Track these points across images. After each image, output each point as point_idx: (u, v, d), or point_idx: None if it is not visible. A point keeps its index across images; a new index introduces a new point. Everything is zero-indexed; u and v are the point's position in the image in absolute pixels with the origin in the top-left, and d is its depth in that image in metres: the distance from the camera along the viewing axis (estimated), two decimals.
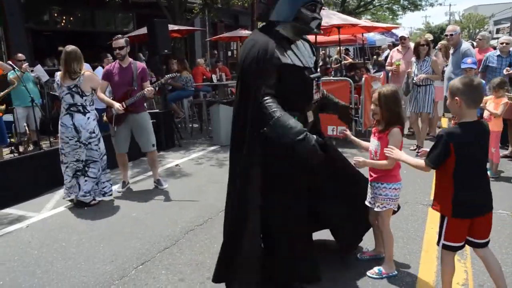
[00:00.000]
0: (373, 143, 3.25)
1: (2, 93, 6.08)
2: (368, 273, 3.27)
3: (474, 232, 2.63)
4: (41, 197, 5.58)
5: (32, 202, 5.39)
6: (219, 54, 20.26)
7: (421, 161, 2.72)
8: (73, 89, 4.97)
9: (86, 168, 5.11)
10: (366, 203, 3.34)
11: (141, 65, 5.67)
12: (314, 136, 2.56)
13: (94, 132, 5.08)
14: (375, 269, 3.28)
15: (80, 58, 5.02)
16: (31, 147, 7.90)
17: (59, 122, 5.09)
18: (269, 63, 2.65)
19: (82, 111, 5.02)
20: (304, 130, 2.54)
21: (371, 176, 3.23)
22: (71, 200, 5.25)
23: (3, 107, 6.50)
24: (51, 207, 5.22)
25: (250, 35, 2.97)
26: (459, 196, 2.54)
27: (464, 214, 2.57)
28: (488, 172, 5.43)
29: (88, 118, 5.05)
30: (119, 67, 5.52)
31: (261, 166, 2.75)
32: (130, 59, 5.60)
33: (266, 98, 2.60)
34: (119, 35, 5.62)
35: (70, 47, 5.01)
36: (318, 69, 3.28)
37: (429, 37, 8.13)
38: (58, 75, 5.11)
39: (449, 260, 2.70)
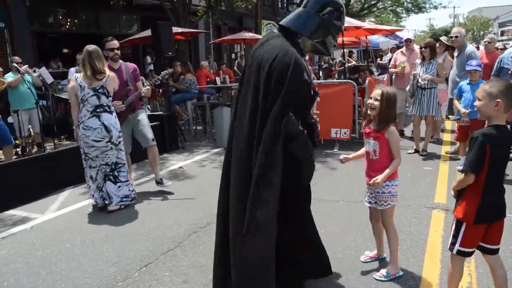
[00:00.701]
0: (369, 144, 3.24)
1: None
2: (375, 276, 3.27)
3: (487, 238, 2.59)
4: (45, 198, 5.60)
5: (36, 204, 5.42)
6: (223, 57, 20.31)
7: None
8: (99, 90, 4.83)
9: (116, 173, 5.01)
10: (366, 204, 3.35)
11: (132, 65, 5.68)
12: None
13: (120, 132, 5.02)
14: (383, 271, 3.27)
15: (102, 57, 4.92)
16: (35, 149, 7.94)
17: (81, 126, 4.85)
18: (306, 83, 2.59)
19: (108, 110, 4.92)
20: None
21: (370, 176, 3.23)
22: (102, 207, 5.12)
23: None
24: (55, 208, 5.24)
25: (273, 39, 2.73)
26: (486, 201, 2.49)
27: (485, 219, 2.54)
28: None
29: (115, 117, 4.99)
30: (110, 69, 5.43)
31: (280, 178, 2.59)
32: (120, 61, 5.61)
33: (291, 115, 2.51)
34: (110, 37, 5.64)
35: (91, 47, 4.88)
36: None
37: (444, 39, 8.08)
38: (80, 77, 4.88)
39: (459, 265, 2.68)
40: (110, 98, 4.96)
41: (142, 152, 5.84)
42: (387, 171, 3.11)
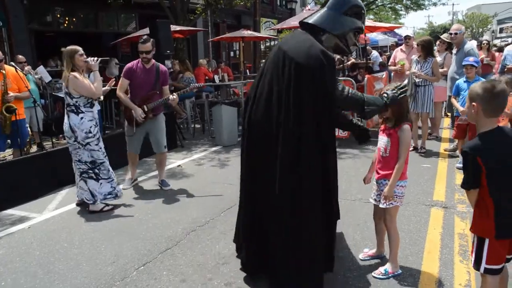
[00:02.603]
0: (382, 140, 3.24)
1: None
2: (374, 274, 3.26)
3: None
4: (44, 197, 5.59)
5: (35, 203, 5.40)
6: (221, 55, 20.28)
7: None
8: (66, 91, 4.89)
9: (97, 170, 5.00)
10: (371, 200, 3.34)
11: (164, 68, 5.64)
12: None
13: (91, 132, 4.93)
14: (381, 269, 3.26)
15: (70, 58, 4.84)
16: (33, 148, 7.92)
17: None
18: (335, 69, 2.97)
19: (75, 111, 4.89)
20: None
21: (378, 173, 3.23)
22: (78, 204, 5.20)
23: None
24: (53, 208, 5.23)
25: (298, 33, 3.12)
26: (501, 213, 2.30)
27: (508, 233, 2.34)
28: None
29: (82, 118, 4.91)
30: (142, 68, 5.44)
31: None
32: (153, 61, 5.55)
33: (345, 89, 2.91)
34: (145, 37, 5.52)
35: (67, 48, 4.89)
36: None
37: (445, 36, 8.07)
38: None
39: (495, 284, 2.44)
40: (77, 99, 4.86)
41: (141, 151, 5.84)
42: (392, 179, 3.10)
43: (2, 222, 4.81)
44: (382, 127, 3.27)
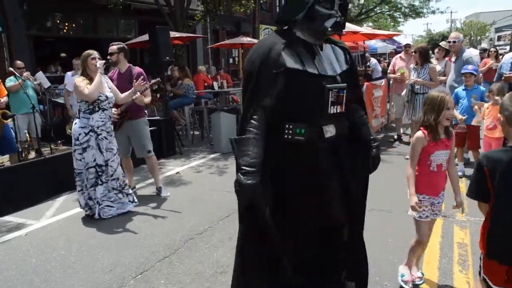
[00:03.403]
0: (442, 155, 3.02)
1: None
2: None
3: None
4: (41, 204, 5.56)
5: (32, 210, 5.38)
6: (220, 61, 20.30)
7: None
8: None
9: (76, 179, 5.01)
10: (429, 218, 3.16)
11: (138, 70, 5.65)
12: (255, 180, 2.25)
13: (77, 140, 4.87)
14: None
15: (82, 62, 4.96)
16: (32, 154, 7.90)
17: None
18: (269, 67, 2.35)
19: (77, 115, 4.99)
20: (253, 169, 2.25)
21: (438, 188, 3.14)
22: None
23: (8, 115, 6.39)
24: (50, 214, 5.20)
25: (264, 38, 2.72)
26: (493, 234, 2.22)
27: (499, 258, 2.22)
28: None
29: (76, 123, 4.93)
30: (118, 73, 5.58)
31: None
32: (129, 65, 5.62)
33: (257, 112, 2.34)
34: (114, 42, 5.68)
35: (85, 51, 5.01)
36: (355, 80, 2.71)
37: (443, 44, 8.09)
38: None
39: None
40: (79, 104, 4.93)
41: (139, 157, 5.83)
42: (457, 186, 3.13)
43: None
44: (432, 143, 3.00)
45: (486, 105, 5.54)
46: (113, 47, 5.55)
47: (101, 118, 4.90)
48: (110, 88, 5.07)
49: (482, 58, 12.76)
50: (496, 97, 5.27)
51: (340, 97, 2.47)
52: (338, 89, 2.44)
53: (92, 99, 4.82)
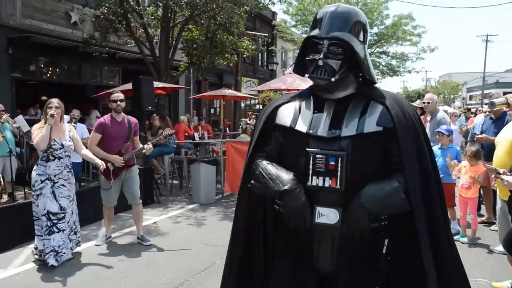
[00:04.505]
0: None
1: None
2: None
3: None
4: (10, 251, 5.36)
5: (0, 257, 5.17)
6: (202, 111, 20.53)
7: None
8: None
9: (35, 223, 4.93)
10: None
11: (134, 120, 5.73)
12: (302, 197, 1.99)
13: (33, 186, 4.85)
14: None
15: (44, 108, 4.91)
16: (4, 198, 7.69)
17: None
18: (265, 123, 2.23)
19: (36, 163, 5.00)
20: (292, 186, 2.01)
21: None
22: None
23: None
24: (19, 263, 5.00)
25: None
26: None
27: None
28: (466, 239, 5.55)
29: (34, 170, 4.91)
30: (113, 121, 5.50)
31: None
32: (123, 114, 5.63)
33: (258, 160, 2.20)
34: (115, 89, 5.75)
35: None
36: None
37: (417, 103, 8.39)
38: None
39: None
40: (39, 151, 4.92)
41: (117, 205, 5.74)
42: None
43: None
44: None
45: (463, 163, 5.70)
46: (120, 95, 5.59)
47: (57, 166, 4.85)
48: (70, 138, 4.99)
49: (467, 118, 13.45)
50: (473, 160, 5.49)
51: (330, 166, 1.96)
52: (326, 156, 1.97)
53: (40, 148, 4.80)
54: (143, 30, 12.21)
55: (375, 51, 29.03)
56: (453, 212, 5.91)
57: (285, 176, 2.03)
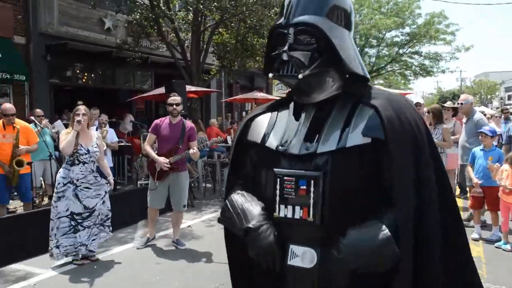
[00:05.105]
0: None
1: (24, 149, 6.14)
2: None
3: None
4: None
5: (42, 258, 5.29)
6: (234, 115, 20.62)
7: None
8: None
9: (50, 224, 5.04)
10: None
11: (190, 124, 5.79)
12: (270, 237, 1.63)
13: (56, 188, 4.99)
14: None
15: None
16: (45, 201, 7.92)
17: None
18: (234, 140, 1.95)
19: (62, 166, 5.14)
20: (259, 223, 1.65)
21: None
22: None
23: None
24: (60, 263, 5.13)
25: None
26: None
27: None
28: (509, 246, 5.31)
29: (59, 172, 5.07)
30: (168, 123, 5.57)
31: None
32: (181, 117, 5.68)
33: (235, 188, 1.87)
34: (174, 93, 5.83)
35: None
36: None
37: (448, 104, 8.20)
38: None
39: None
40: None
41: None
42: None
43: (6, 279, 4.71)
44: None
45: (504, 166, 5.44)
46: (177, 99, 5.61)
47: (81, 171, 4.93)
48: (97, 145, 5.10)
49: (506, 119, 12.11)
50: None
51: (301, 192, 1.55)
52: (296, 178, 1.57)
53: (65, 153, 4.93)
54: (174, 35, 12.36)
55: (407, 51, 28.56)
56: (496, 217, 5.69)
57: (253, 210, 1.67)
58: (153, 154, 5.47)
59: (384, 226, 1.48)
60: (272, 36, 1.67)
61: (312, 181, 1.52)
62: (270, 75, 1.67)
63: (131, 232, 6.35)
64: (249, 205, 1.70)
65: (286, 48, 1.57)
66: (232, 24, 12.65)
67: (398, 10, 26.67)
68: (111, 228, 5.31)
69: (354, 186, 1.53)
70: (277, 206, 1.59)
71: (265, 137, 1.72)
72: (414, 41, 27.52)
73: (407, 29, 27.72)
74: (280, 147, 1.64)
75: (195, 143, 5.62)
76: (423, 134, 1.62)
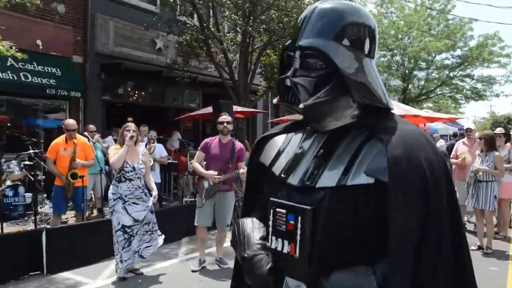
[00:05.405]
0: None
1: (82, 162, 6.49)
2: None
3: None
4: (99, 263, 5.69)
5: (91, 268, 5.49)
6: None
7: None
8: None
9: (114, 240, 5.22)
10: None
11: (240, 145, 5.82)
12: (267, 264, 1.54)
13: (109, 204, 5.26)
14: None
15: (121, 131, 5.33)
16: (94, 213, 8.21)
17: None
18: (251, 161, 1.84)
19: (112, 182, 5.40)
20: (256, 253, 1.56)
21: None
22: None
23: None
24: (107, 275, 5.30)
25: None
26: None
27: None
28: None
29: (110, 189, 5.29)
30: (218, 142, 5.62)
31: None
32: (230, 137, 5.76)
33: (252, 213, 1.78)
34: (225, 112, 5.96)
35: None
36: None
37: (501, 130, 7.89)
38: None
39: None
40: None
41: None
42: None
43: (57, 286, 4.89)
44: None
45: None
46: (228, 118, 5.68)
47: (128, 188, 5.11)
48: (143, 162, 5.25)
49: None
50: None
51: (289, 226, 1.44)
52: (286, 211, 1.46)
53: (114, 168, 5.18)
54: (222, 55, 12.61)
55: (458, 74, 27.74)
56: None
57: (251, 238, 1.60)
58: (201, 169, 5.53)
59: (372, 277, 1.33)
60: (283, 58, 1.55)
61: (300, 217, 1.40)
62: (275, 101, 1.57)
63: (175, 248, 6.46)
64: (251, 232, 1.63)
65: (289, 73, 1.45)
66: (280, 46, 12.77)
67: (449, 32, 26.00)
68: (160, 233, 5.44)
69: (350, 227, 1.37)
70: (269, 236, 1.50)
71: (274, 161, 1.62)
72: (466, 64, 26.69)
73: (458, 52, 26.93)
74: (282, 175, 1.53)
75: (243, 164, 5.62)
76: (440, 179, 1.36)
